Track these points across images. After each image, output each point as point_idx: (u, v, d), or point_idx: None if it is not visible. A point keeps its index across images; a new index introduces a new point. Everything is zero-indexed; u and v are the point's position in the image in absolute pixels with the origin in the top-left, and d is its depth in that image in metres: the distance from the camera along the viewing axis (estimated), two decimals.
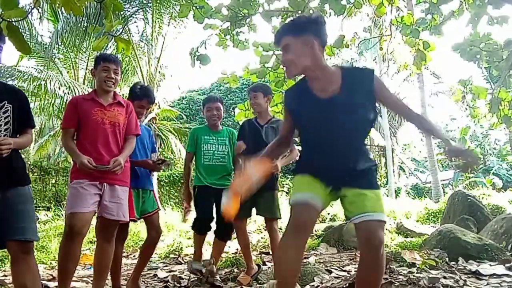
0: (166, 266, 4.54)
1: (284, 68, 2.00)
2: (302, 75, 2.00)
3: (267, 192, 3.25)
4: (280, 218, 3.36)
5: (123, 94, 11.39)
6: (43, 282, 3.36)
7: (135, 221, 3.09)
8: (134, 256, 5.29)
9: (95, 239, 6.03)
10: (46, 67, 10.47)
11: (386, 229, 6.00)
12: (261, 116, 3.44)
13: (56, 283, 3.51)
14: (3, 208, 2.01)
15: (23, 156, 2.33)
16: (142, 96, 3.15)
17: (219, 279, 3.37)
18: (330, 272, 3.35)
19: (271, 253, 4.99)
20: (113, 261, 2.73)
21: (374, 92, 1.90)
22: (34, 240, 2.11)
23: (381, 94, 1.93)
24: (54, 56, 10.27)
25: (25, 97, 2.26)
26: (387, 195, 14.96)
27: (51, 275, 3.85)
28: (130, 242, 5.96)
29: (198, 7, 4.40)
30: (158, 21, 9.78)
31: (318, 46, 1.89)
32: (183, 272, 3.98)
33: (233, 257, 4.11)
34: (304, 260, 4.30)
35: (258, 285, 3.21)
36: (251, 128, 3.42)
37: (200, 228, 3.45)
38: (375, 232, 1.79)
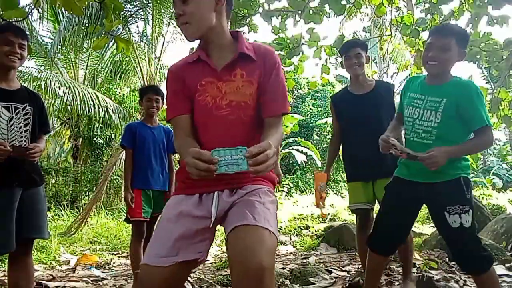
0: None
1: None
2: None
3: None
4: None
5: (123, 94, 11.46)
6: (43, 282, 3.37)
7: (143, 221, 2.99)
8: None
9: (95, 239, 6.09)
10: (46, 67, 10.47)
11: None
12: None
13: (56, 283, 3.53)
14: (24, 207, 2.07)
15: None
16: (146, 89, 3.34)
17: None
18: (330, 272, 3.34)
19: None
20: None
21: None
22: (46, 238, 2.25)
23: None
24: (55, 56, 10.29)
25: (43, 103, 2.32)
26: None
27: (51, 275, 3.86)
28: None
29: None
30: (158, 21, 9.78)
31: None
32: None
33: None
34: (304, 260, 4.30)
35: None
36: None
37: (379, 243, 2.11)
38: None
